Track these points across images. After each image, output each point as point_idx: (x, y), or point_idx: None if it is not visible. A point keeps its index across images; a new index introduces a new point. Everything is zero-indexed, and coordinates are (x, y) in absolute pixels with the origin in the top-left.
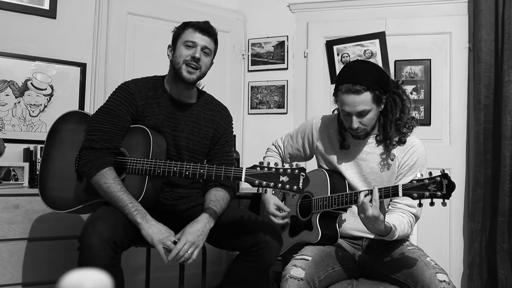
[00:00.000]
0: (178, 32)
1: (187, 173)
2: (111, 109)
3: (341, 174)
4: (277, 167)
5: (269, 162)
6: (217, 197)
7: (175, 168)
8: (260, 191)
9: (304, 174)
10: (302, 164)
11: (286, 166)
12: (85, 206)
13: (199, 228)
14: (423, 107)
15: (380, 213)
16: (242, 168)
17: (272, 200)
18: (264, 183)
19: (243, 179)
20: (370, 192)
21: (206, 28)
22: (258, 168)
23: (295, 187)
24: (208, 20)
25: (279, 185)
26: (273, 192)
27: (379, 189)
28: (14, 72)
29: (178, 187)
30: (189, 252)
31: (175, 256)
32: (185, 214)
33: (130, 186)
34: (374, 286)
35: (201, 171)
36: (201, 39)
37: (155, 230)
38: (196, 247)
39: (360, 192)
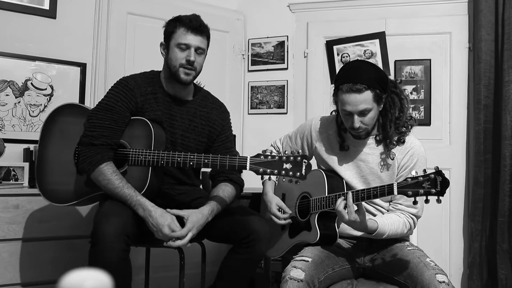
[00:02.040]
0: (170, 31)
1: (191, 163)
2: (110, 105)
3: (338, 174)
4: (280, 155)
5: (271, 151)
6: (224, 193)
7: (179, 159)
8: (264, 179)
9: (306, 161)
10: None
11: (289, 153)
12: (85, 199)
13: (201, 222)
14: (423, 107)
15: (356, 217)
16: (247, 157)
17: (274, 200)
18: (268, 170)
19: (248, 167)
20: (345, 196)
21: (197, 27)
22: (262, 157)
23: (298, 173)
24: (198, 15)
25: (283, 172)
26: (277, 181)
27: (374, 187)
28: (14, 72)
29: (176, 184)
30: (187, 245)
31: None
32: (189, 205)
33: (133, 178)
34: (373, 286)
35: (206, 160)
36: (194, 40)
37: (159, 221)
38: (193, 236)
39: (337, 198)
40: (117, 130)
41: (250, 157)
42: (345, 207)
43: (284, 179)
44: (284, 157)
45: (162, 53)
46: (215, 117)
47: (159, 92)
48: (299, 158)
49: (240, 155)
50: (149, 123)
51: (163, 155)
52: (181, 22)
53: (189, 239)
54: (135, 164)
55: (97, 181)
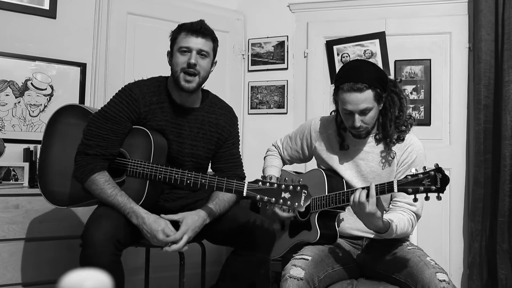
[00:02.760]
0: (174, 37)
1: (188, 181)
2: (111, 114)
3: (338, 173)
4: (279, 183)
5: (271, 177)
6: (224, 198)
7: (176, 175)
8: (261, 206)
9: (306, 191)
10: (301, 165)
11: (289, 182)
12: (85, 203)
13: (198, 224)
14: (423, 107)
15: (377, 210)
16: (244, 182)
17: None
18: (266, 198)
19: (244, 193)
20: (367, 188)
21: (199, 29)
22: (260, 183)
23: (296, 204)
24: (202, 19)
25: (281, 201)
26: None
27: (375, 185)
28: (14, 72)
29: (178, 188)
30: (184, 248)
31: (174, 250)
32: (183, 211)
33: (131, 189)
34: (374, 286)
35: (203, 181)
36: (195, 43)
37: (153, 227)
38: (189, 239)
39: (356, 189)
40: (114, 141)
41: (248, 182)
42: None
43: (281, 208)
44: (283, 186)
45: (168, 61)
46: (223, 123)
47: (165, 101)
48: (298, 188)
49: (240, 155)
50: (150, 133)
51: (161, 169)
52: (183, 27)
53: (185, 242)
54: (133, 176)
55: (90, 190)
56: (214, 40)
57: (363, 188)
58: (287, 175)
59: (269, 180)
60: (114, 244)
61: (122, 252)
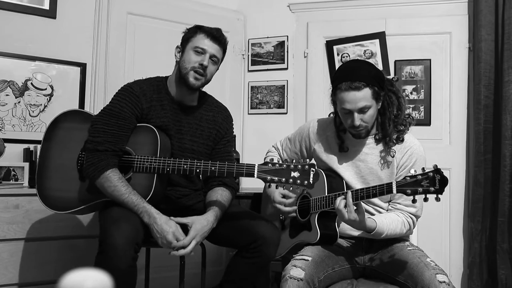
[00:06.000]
0: (189, 35)
1: (197, 170)
2: (115, 111)
3: (338, 173)
4: (288, 163)
5: (279, 159)
6: (223, 198)
7: (185, 166)
8: (270, 186)
9: (314, 169)
10: None
11: (296, 162)
12: (88, 206)
13: (206, 229)
14: (423, 107)
15: (356, 216)
16: (255, 164)
17: (276, 190)
18: (276, 178)
19: (255, 175)
20: (345, 196)
21: (217, 36)
22: (270, 165)
23: (305, 182)
24: (220, 28)
25: (291, 180)
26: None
27: (373, 186)
28: (14, 72)
29: (179, 186)
30: (191, 253)
31: (182, 254)
32: (191, 208)
33: (138, 185)
34: (374, 286)
35: (213, 168)
36: (211, 47)
37: (164, 228)
38: (197, 244)
39: (336, 198)
40: (121, 136)
41: (258, 165)
42: (345, 206)
43: (291, 188)
44: (292, 166)
45: (175, 55)
46: (221, 120)
47: (165, 99)
48: (306, 167)
49: (241, 155)
50: (155, 129)
51: (169, 162)
52: (202, 29)
53: (193, 248)
54: (140, 171)
55: (102, 187)
56: (225, 51)
57: (342, 194)
58: None
59: (277, 162)
60: (134, 248)
61: (138, 256)
